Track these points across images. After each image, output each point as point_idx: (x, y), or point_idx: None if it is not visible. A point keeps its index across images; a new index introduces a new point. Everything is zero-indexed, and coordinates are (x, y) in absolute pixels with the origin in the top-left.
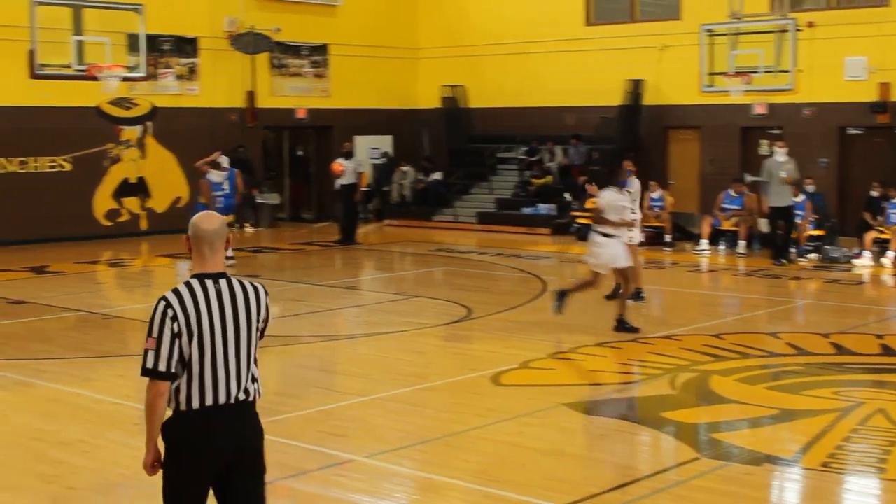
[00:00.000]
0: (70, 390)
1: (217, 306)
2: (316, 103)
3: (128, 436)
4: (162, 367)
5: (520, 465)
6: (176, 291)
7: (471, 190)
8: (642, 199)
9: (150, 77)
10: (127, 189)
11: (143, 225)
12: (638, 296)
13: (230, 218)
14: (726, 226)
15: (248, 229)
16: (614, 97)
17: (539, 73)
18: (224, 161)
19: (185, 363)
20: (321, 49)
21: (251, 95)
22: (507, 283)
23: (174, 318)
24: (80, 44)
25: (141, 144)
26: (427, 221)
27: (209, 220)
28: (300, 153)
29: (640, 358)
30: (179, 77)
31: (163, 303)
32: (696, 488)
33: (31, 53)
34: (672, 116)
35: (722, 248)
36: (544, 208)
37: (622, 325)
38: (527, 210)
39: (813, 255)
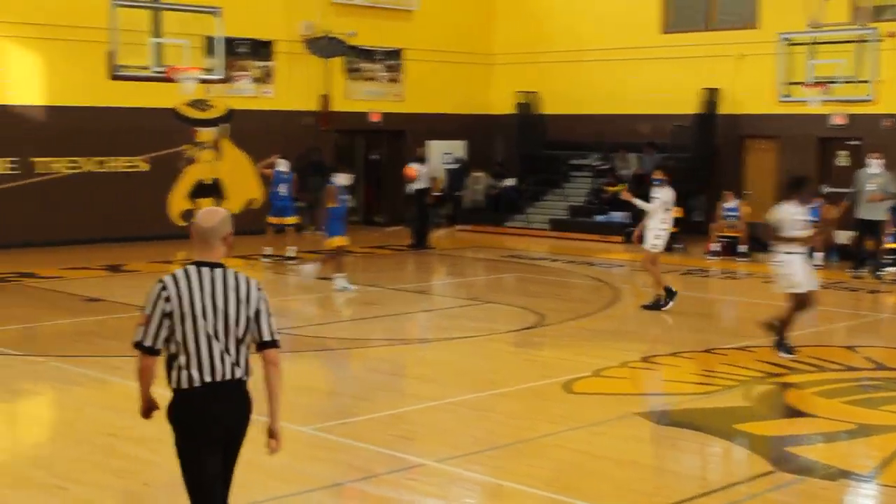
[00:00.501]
0: None
1: (210, 291)
2: (389, 108)
3: None
4: (148, 343)
5: (590, 474)
6: (173, 276)
7: (543, 196)
8: (714, 208)
9: (227, 79)
10: (202, 190)
11: None
12: (657, 305)
13: (294, 219)
14: None
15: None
16: (690, 106)
17: (614, 81)
18: (283, 164)
19: (178, 343)
20: (396, 53)
21: (325, 99)
22: (579, 291)
23: (168, 300)
24: (158, 46)
25: (216, 146)
26: (499, 227)
27: (208, 218)
28: (374, 157)
29: (713, 368)
30: (255, 80)
31: (159, 284)
32: (769, 501)
33: (110, 55)
34: (748, 126)
35: None
36: (617, 216)
37: (782, 346)
38: (599, 218)
39: (891, 269)
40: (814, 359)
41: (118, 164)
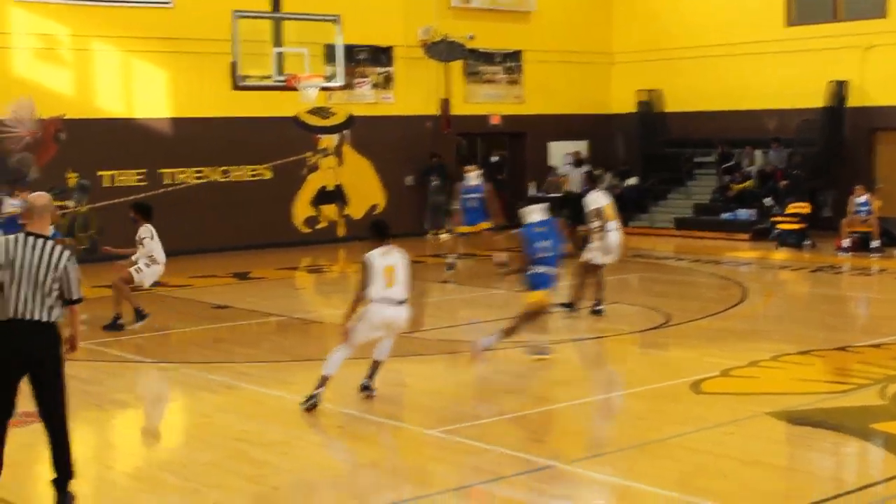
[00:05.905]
0: (271, 393)
1: (28, 252)
2: (509, 110)
3: (328, 438)
4: None
5: (720, 475)
6: (7, 239)
7: (667, 195)
8: (845, 204)
9: (347, 86)
10: (325, 197)
11: (341, 232)
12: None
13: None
14: None
15: (443, 235)
16: (816, 99)
17: (737, 76)
18: (474, 176)
19: (3, 287)
20: (515, 55)
21: (445, 103)
22: (705, 290)
23: None
24: (279, 55)
25: (338, 153)
26: (623, 227)
27: (40, 198)
28: (495, 159)
29: (847, 367)
30: (375, 86)
31: None
32: None
33: (233, 65)
34: (879, 118)
35: None
36: (744, 213)
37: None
38: (725, 215)
39: None
40: None
41: (242, 172)
